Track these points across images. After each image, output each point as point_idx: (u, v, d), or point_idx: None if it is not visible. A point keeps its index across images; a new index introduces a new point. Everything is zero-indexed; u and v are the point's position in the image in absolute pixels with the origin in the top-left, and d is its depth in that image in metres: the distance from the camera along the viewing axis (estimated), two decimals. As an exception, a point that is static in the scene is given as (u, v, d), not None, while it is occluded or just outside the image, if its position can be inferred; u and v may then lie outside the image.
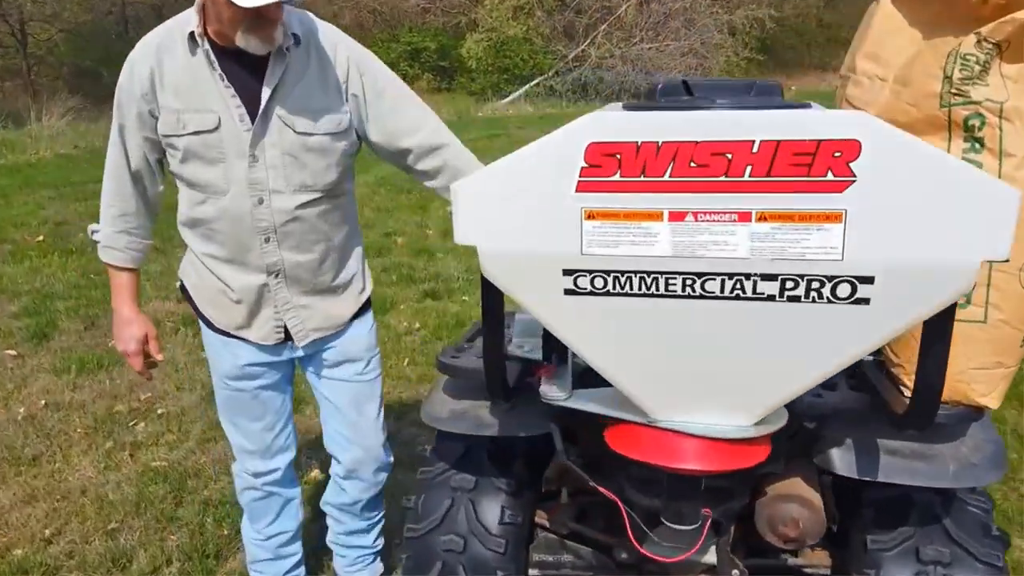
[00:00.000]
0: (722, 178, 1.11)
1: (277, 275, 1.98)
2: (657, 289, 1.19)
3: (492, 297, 1.37)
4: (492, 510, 1.88)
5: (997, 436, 1.71)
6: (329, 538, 2.49)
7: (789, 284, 1.15)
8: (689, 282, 1.18)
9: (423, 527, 1.90)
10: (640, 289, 1.20)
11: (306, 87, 1.87)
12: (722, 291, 1.17)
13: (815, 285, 1.14)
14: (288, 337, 2.06)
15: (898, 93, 1.49)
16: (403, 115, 1.98)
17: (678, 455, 1.34)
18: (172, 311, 4.94)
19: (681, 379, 1.29)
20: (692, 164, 1.11)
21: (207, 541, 2.78)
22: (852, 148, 1.07)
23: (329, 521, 2.45)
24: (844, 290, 1.14)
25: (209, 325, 2.08)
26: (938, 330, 1.21)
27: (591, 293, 1.22)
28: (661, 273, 1.18)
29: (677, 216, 1.14)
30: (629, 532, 1.54)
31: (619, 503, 1.50)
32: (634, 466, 1.53)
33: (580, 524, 2.05)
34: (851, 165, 1.07)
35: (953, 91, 1.39)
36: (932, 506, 1.79)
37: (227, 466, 3.12)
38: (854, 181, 1.08)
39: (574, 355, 1.66)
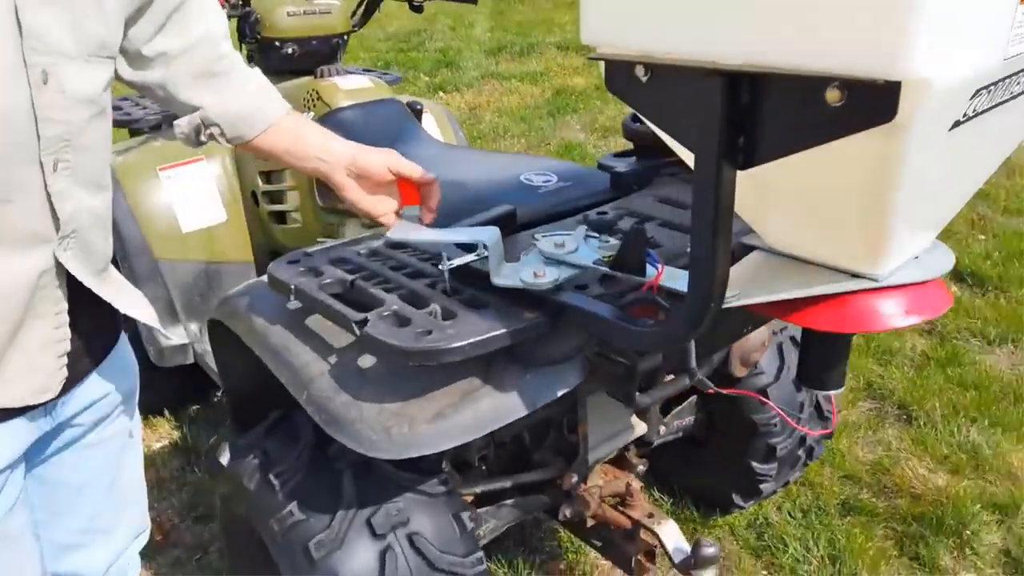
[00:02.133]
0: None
1: (68, 242, 0.95)
2: (1013, 94, 0.89)
3: (723, 183, 0.84)
4: (444, 527, 1.33)
5: None
6: None
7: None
8: (1038, 76, 0.91)
9: None
10: (1001, 97, 0.88)
11: None
12: (1044, 81, 0.94)
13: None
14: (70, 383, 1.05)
15: None
16: None
17: (909, 309, 1.08)
18: None
19: (934, 209, 1.03)
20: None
21: None
22: None
23: None
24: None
25: None
26: None
27: (969, 119, 0.84)
28: (1029, 70, 0.88)
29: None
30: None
31: (765, 401, 1.18)
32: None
33: (498, 479, 1.62)
34: None
35: None
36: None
37: None
38: None
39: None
